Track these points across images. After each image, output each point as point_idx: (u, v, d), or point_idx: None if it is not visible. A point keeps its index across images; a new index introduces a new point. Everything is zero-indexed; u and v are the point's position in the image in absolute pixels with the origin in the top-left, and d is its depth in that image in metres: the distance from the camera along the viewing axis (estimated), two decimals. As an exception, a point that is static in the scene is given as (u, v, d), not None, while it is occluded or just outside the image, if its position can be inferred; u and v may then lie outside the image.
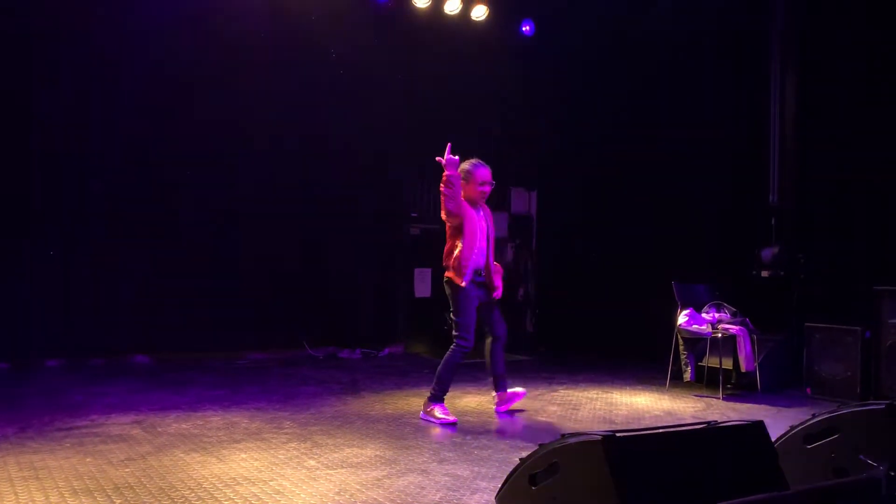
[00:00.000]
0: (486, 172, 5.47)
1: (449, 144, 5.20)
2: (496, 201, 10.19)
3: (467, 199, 5.45)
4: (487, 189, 5.49)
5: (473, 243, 5.37)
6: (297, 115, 8.58)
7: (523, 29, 9.76)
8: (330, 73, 8.70)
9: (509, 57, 9.62)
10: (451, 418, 5.40)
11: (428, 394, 5.57)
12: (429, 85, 9.14)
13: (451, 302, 5.46)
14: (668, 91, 8.73)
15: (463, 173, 5.41)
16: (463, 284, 5.34)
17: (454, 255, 5.38)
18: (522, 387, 6.11)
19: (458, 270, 5.34)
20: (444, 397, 5.53)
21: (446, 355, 5.49)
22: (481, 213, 5.54)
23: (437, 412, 5.43)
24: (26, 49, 7.32)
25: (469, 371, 7.89)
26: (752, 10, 7.85)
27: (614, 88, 9.41)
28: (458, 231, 5.38)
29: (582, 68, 9.70)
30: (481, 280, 5.49)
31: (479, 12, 9.31)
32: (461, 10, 9.19)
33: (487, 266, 5.51)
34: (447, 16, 9.18)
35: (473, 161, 5.51)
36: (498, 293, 5.60)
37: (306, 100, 8.61)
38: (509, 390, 5.86)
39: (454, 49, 9.22)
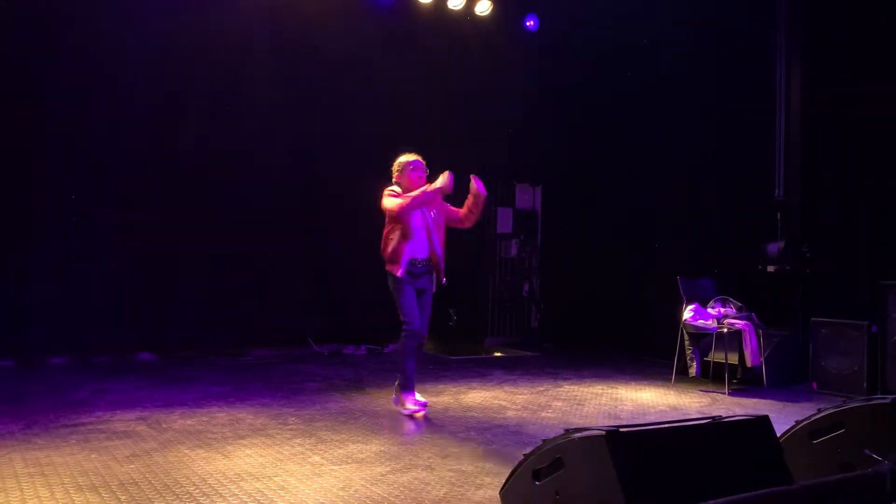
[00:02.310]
0: (417, 161, 5.71)
1: (451, 175, 5.49)
2: (502, 197, 10.25)
3: (405, 190, 5.63)
4: (422, 174, 5.66)
5: (410, 235, 5.53)
6: (299, 113, 8.55)
7: (527, 24, 9.74)
8: (333, 71, 8.68)
9: (513, 52, 9.60)
10: (417, 407, 5.55)
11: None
12: (433, 81, 9.12)
13: (391, 291, 5.64)
14: (673, 85, 8.70)
15: (398, 166, 5.71)
16: (398, 275, 5.52)
17: (390, 246, 5.56)
18: (527, 383, 6.11)
19: (394, 261, 5.54)
20: (413, 386, 5.64)
21: (398, 345, 5.66)
22: None
23: (408, 403, 5.57)
24: (28, 46, 7.33)
25: (474, 367, 7.93)
26: (758, 3, 7.81)
27: (619, 83, 9.37)
28: (396, 223, 5.56)
29: (586, 63, 9.66)
30: (418, 271, 5.60)
31: (483, 7, 9.30)
32: (465, 6, 9.17)
33: (431, 257, 5.63)
34: (451, 11, 9.16)
35: (406, 155, 5.74)
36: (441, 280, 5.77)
37: (308, 98, 8.59)
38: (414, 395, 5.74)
39: (458, 44, 9.20)
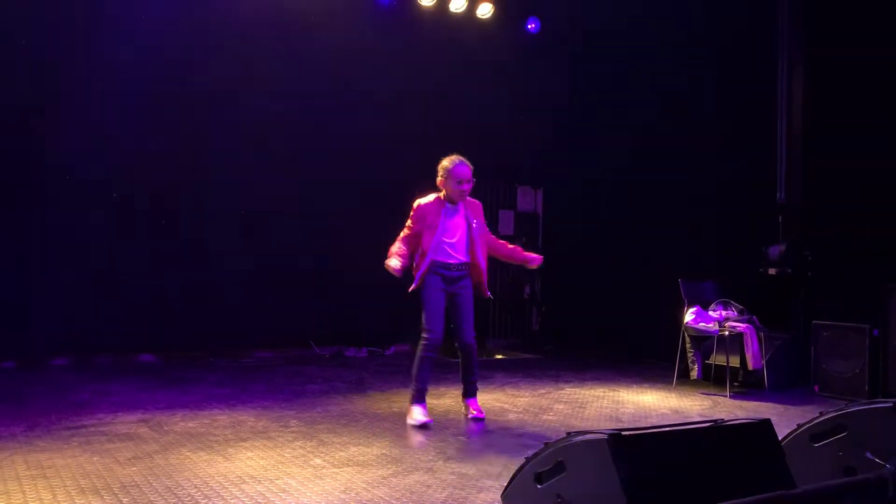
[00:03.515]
0: (464, 170, 5.33)
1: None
2: (503, 199, 10.24)
3: (446, 198, 5.38)
4: (466, 187, 5.35)
5: (431, 240, 5.28)
6: (300, 114, 8.56)
7: (528, 26, 9.75)
8: (332, 72, 8.68)
9: (515, 54, 9.60)
10: (423, 420, 5.25)
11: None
12: (434, 83, 9.12)
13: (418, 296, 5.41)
14: (674, 87, 8.70)
15: (442, 171, 5.36)
16: (417, 274, 5.30)
17: (418, 250, 5.39)
18: (528, 386, 6.05)
19: (417, 264, 5.35)
20: (425, 397, 5.39)
21: (417, 353, 5.36)
22: (459, 210, 5.40)
23: (415, 413, 5.30)
24: (32, 48, 7.34)
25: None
26: (760, 3, 7.82)
27: (619, 85, 9.37)
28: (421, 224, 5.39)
29: (587, 65, 9.67)
30: (452, 274, 5.35)
31: (485, 10, 9.30)
32: (466, 8, 9.18)
33: (473, 267, 5.39)
34: (452, 14, 9.17)
35: (453, 158, 5.38)
36: (485, 292, 5.50)
37: (309, 99, 8.59)
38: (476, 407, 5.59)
39: (459, 47, 9.21)
